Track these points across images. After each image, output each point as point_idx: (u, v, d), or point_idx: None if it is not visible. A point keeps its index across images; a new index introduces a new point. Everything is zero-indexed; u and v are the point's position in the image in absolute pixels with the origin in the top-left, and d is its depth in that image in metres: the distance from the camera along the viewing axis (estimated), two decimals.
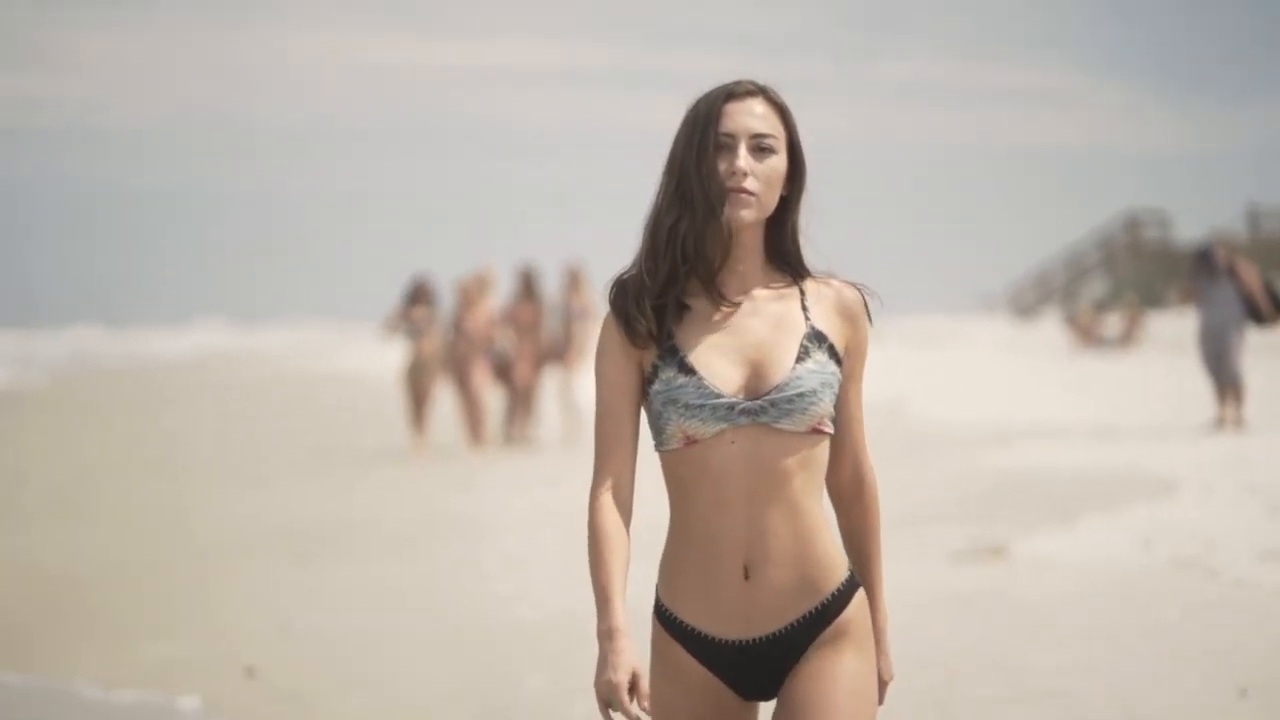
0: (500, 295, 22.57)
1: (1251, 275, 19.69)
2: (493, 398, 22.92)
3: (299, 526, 14.72)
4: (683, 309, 3.95)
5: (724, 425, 3.88)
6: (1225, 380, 19.39)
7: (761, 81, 4.01)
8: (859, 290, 4.04)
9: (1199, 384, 22.33)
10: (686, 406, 3.89)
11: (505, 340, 22.26)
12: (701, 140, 3.93)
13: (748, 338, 3.94)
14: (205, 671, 9.21)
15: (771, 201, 3.96)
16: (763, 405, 3.89)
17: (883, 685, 4.03)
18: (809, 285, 4.01)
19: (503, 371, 22.27)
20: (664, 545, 3.99)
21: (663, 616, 3.98)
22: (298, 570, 12.37)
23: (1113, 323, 43.02)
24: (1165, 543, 11.56)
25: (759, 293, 3.98)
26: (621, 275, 4.00)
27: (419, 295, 22.10)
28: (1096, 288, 59.89)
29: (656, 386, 3.93)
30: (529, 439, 22.47)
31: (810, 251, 4.03)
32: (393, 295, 22.44)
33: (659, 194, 3.97)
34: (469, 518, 15.03)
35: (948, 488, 15.44)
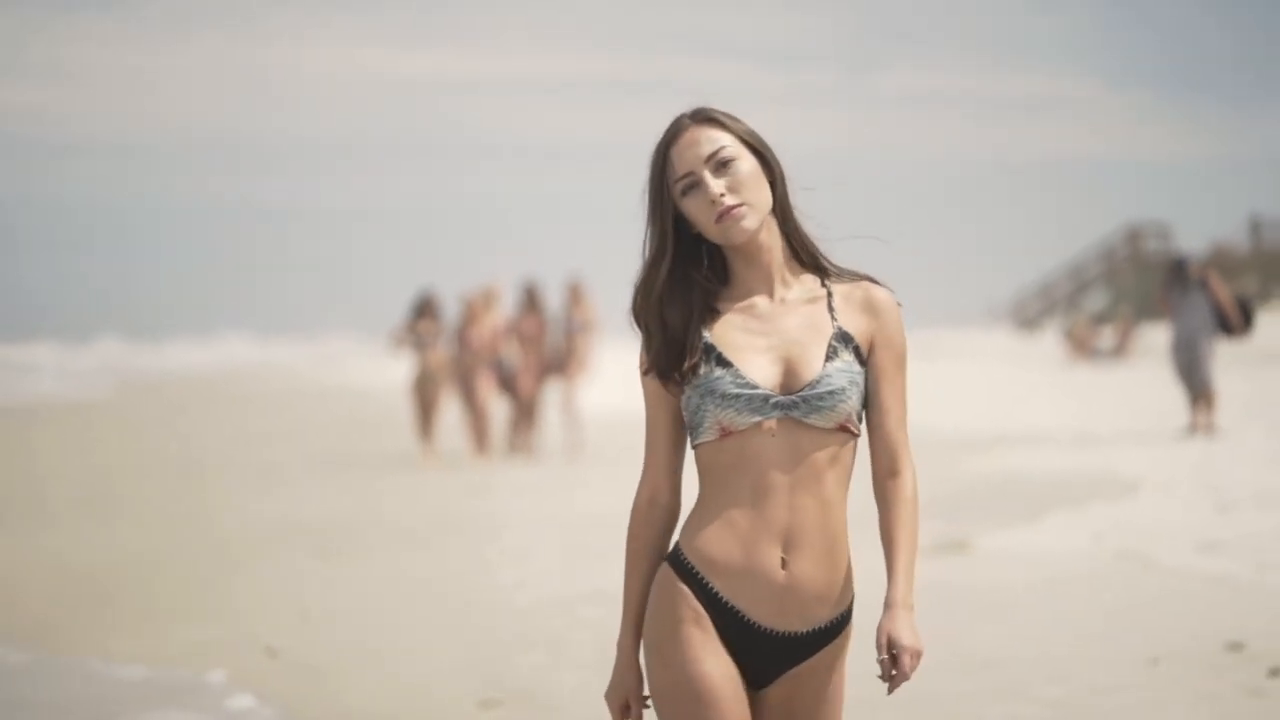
0: (504, 309, 23.50)
1: (1222, 288, 20.61)
2: (497, 408, 23.84)
3: (315, 524, 15.67)
4: (714, 314, 4.08)
5: (759, 417, 3.99)
6: (1197, 388, 20.30)
7: (693, 109, 4.11)
8: (885, 287, 4.14)
9: (1178, 393, 23.23)
10: (724, 397, 4.00)
11: (509, 352, 23.19)
12: (661, 191, 4.07)
13: (779, 337, 4.04)
14: (230, 651, 10.10)
15: (762, 199, 4.05)
16: (795, 400, 4.00)
17: (905, 650, 3.99)
18: (836, 286, 4.12)
19: (507, 383, 23.17)
20: (691, 511, 4.08)
21: (689, 576, 4.04)
22: (315, 563, 13.30)
23: (1107, 335, 43.90)
24: (1116, 537, 12.48)
25: (786, 295, 4.10)
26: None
27: (425, 309, 23.03)
28: (1098, 299, 60.60)
29: (694, 381, 4.03)
30: (532, 448, 23.35)
31: (827, 246, 4.15)
32: (402, 309, 23.41)
33: (644, 241, 4.12)
34: (474, 518, 15.96)
35: (926, 490, 16.30)
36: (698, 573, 4.02)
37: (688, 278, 4.08)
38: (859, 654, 4.45)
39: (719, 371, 4.01)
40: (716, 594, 4.01)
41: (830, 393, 3.99)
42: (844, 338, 4.05)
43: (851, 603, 4.10)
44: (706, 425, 4.02)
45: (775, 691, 4.07)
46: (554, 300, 23.50)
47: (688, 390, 4.03)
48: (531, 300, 23.45)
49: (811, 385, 4.00)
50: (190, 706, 8.84)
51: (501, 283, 23.59)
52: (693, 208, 4.04)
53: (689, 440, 4.08)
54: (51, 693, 9.30)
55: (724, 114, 4.10)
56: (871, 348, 4.08)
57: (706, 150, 4.04)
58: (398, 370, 35.76)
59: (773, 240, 4.08)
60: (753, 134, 4.09)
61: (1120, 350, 41.43)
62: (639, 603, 4.09)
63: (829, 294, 4.09)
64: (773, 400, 3.99)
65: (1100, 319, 51.57)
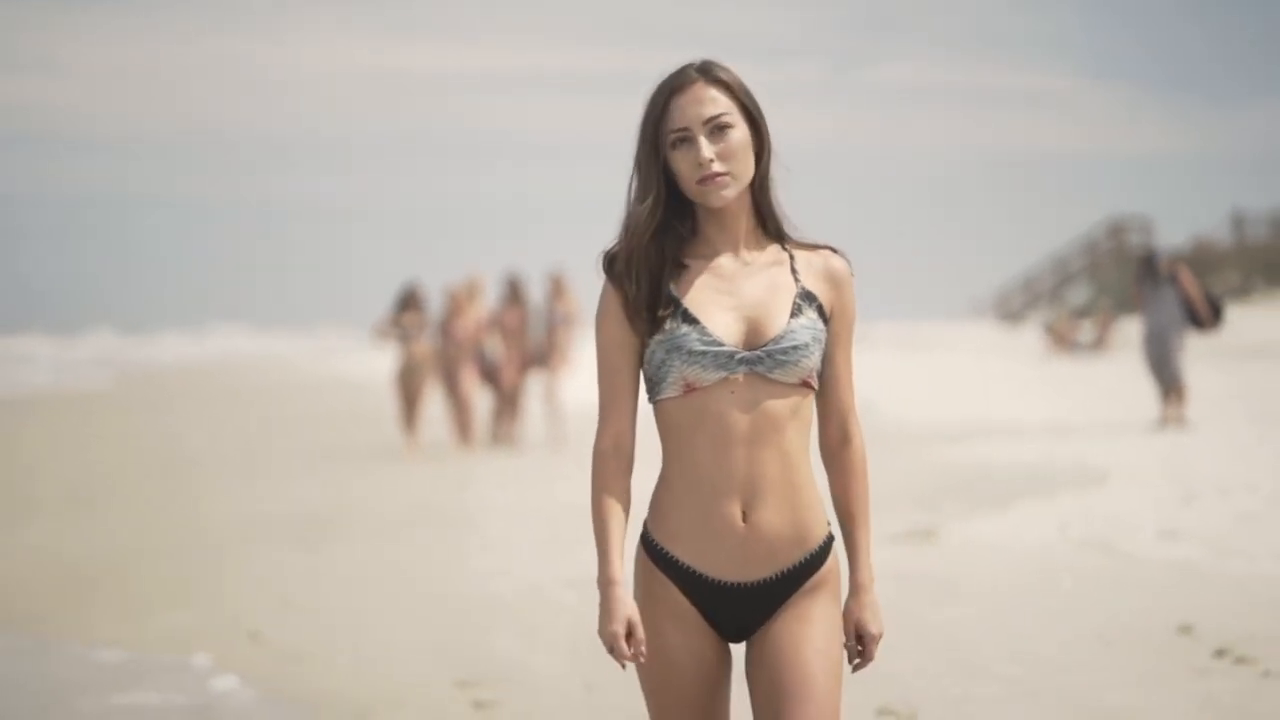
0: (487, 301, 23.77)
1: (1192, 283, 20.92)
2: (480, 400, 24.12)
3: (300, 515, 15.95)
4: (681, 268, 4.13)
5: (724, 373, 4.05)
6: (1167, 382, 20.62)
7: (702, 62, 4.13)
8: (843, 257, 4.21)
9: (1151, 386, 23.54)
10: (690, 353, 4.05)
11: (492, 345, 23.46)
12: (654, 138, 4.11)
13: (744, 295, 4.10)
14: (213, 636, 10.37)
15: (746, 170, 4.11)
16: (759, 356, 4.06)
17: (872, 639, 4.17)
18: (796, 251, 4.18)
19: (490, 375, 23.45)
20: (655, 487, 4.15)
21: (655, 552, 4.12)
22: (298, 552, 13.58)
23: (1087, 329, 44.22)
24: (1081, 526, 12.78)
25: (750, 255, 4.15)
26: (610, 249, 4.17)
27: (409, 302, 23.30)
28: (1081, 293, 60.90)
29: (659, 336, 4.08)
30: (515, 439, 23.61)
31: (794, 221, 4.22)
32: (387, 302, 23.68)
33: (629, 186, 4.16)
34: (455, 508, 16.23)
35: (900, 480, 16.63)
36: (661, 547, 4.10)
37: (668, 225, 4.13)
38: None
39: (685, 328, 4.06)
40: (676, 560, 4.09)
41: (794, 347, 4.06)
42: (808, 296, 4.12)
43: (824, 546, 4.11)
44: (670, 380, 4.07)
45: (759, 641, 4.10)
46: (536, 293, 23.81)
47: (652, 344, 4.09)
48: (514, 293, 23.72)
49: (776, 340, 4.06)
50: (173, 688, 9.12)
51: (484, 275, 23.88)
52: (680, 162, 4.09)
53: (649, 397, 4.14)
54: (35, 675, 9.55)
55: (730, 75, 4.14)
56: (830, 314, 4.16)
57: (708, 112, 4.08)
58: (383, 363, 36.03)
59: (743, 207, 4.14)
60: (752, 101, 4.14)
61: (1100, 344, 41.76)
62: (618, 539, 4.09)
63: (791, 257, 4.17)
64: (738, 356, 4.05)
65: (1082, 313, 51.88)
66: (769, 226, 4.19)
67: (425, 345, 23.15)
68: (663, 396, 4.09)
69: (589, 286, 4.23)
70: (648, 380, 4.13)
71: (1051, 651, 8.74)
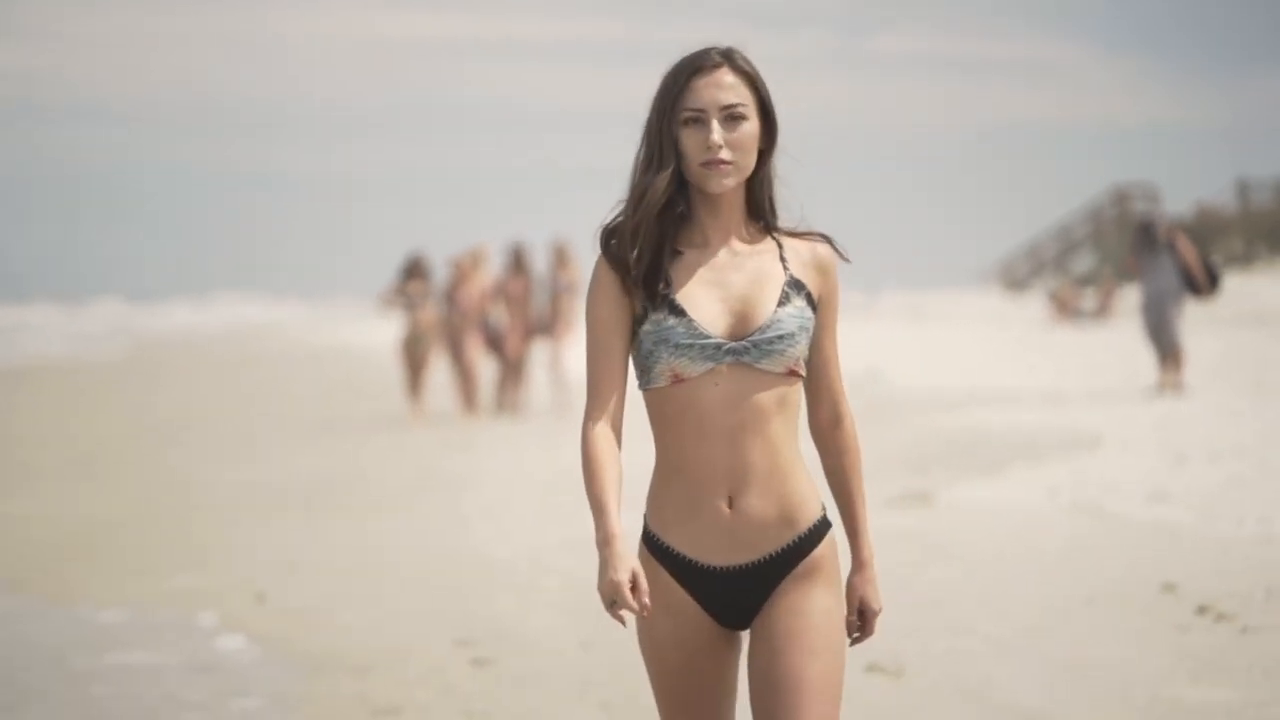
0: (492, 270, 23.99)
1: (1189, 250, 21.10)
2: (485, 368, 24.33)
3: (305, 481, 16.18)
4: (674, 254, 4.15)
5: (710, 364, 4.08)
6: (1165, 348, 20.81)
7: (726, 48, 4.17)
8: (830, 243, 4.24)
9: (1149, 352, 23.74)
10: (676, 346, 4.08)
11: (497, 313, 23.68)
12: (670, 114, 4.13)
13: (732, 286, 4.14)
14: (219, 598, 10.59)
15: (749, 163, 4.14)
16: (746, 346, 4.09)
17: (873, 615, 4.23)
18: (785, 240, 4.21)
19: (494, 343, 23.66)
20: (651, 477, 4.18)
21: (650, 542, 4.17)
22: (303, 518, 13.81)
23: (1090, 296, 44.40)
24: (1072, 490, 13.00)
25: (740, 245, 4.18)
26: (608, 223, 4.19)
27: (415, 270, 23.52)
28: (1085, 261, 61.00)
29: (647, 326, 4.11)
30: (519, 407, 23.83)
31: (789, 210, 4.24)
32: (393, 270, 23.91)
33: (637, 158, 4.17)
34: (458, 475, 16.46)
35: (898, 447, 16.84)
36: (656, 536, 4.16)
37: (673, 201, 4.16)
38: None
39: (672, 320, 4.10)
40: (669, 548, 4.13)
41: (780, 337, 4.10)
42: (796, 284, 4.16)
43: (816, 529, 4.13)
44: (658, 371, 4.11)
45: (755, 633, 4.13)
46: (540, 262, 24.02)
47: (640, 334, 4.12)
48: (518, 262, 23.93)
49: (762, 330, 4.10)
50: (178, 646, 9.35)
51: (488, 244, 24.10)
52: (688, 140, 4.13)
53: (638, 384, 4.17)
54: (42, 635, 9.78)
55: (751, 67, 4.17)
56: (820, 302, 4.20)
57: (726, 99, 4.12)
58: (389, 331, 36.25)
59: (738, 196, 4.18)
60: (768, 97, 4.18)
61: (1102, 311, 41.94)
62: (614, 499, 4.08)
63: (780, 246, 4.20)
64: (725, 347, 4.09)
65: (1085, 281, 52.00)
66: (761, 217, 4.22)
67: (430, 314, 23.37)
68: (651, 386, 4.13)
69: (592, 256, 4.25)
70: (637, 367, 4.16)
71: (1036, 610, 8.96)
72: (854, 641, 4.22)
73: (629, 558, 4.03)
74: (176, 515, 14.28)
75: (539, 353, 25.18)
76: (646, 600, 4.03)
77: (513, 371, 23.85)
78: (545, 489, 14.78)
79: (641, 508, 4.22)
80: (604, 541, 4.05)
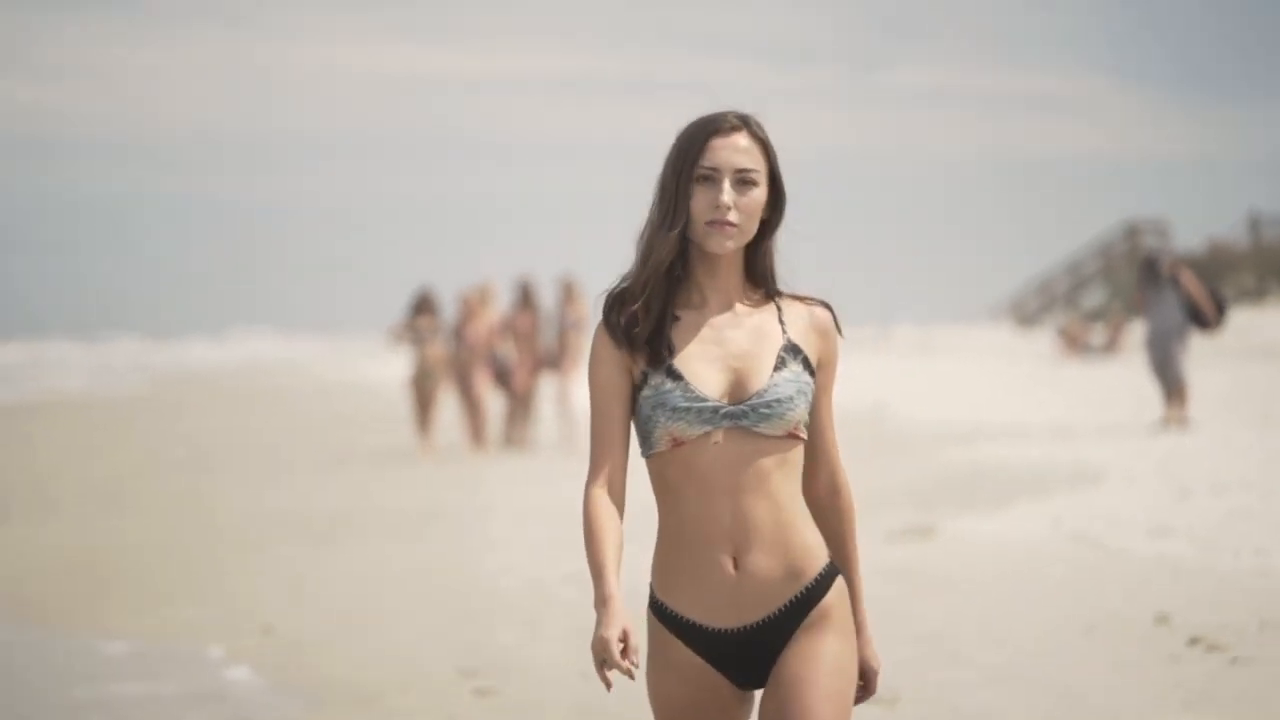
0: (500, 306, 24.17)
1: (1194, 283, 21.21)
2: (493, 402, 24.49)
3: (314, 514, 16.32)
4: (673, 320, 4.20)
5: (708, 428, 4.12)
6: (1170, 383, 20.91)
7: (743, 113, 4.23)
8: (829, 308, 4.28)
9: (1155, 387, 23.85)
10: (674, 409, 4.12)
11: (505, 348, 23.84)
12: (687, 172, 4.18)
13: (730, 348, 4.18)
14: (227, 629, 10.72)
15: (752, 229, 4.19)
16: (744, 410, 4.13)
17: (874, 674, 4.27)
18: (784, 303, 4.25)
19: (503, 378, 23.82)
20: (655, 545, 4.22)
21: (658, 611, 4.19)
22: (311, 550, 13.95)
23: (1099, 331, 44.52)
24: (1074, 522, 13.11)
25: (739, 307, 4.22)
26: (613, 289, 4.25)
27: (424, 306, 23.72)
28: (1096, 296, 61.09)
29: (646, 392, 4.15)
30: (527, 441, 23.99)
31: (789, 270, 4.30)
32: (403, 305, 24.08)
33: (650, 217, 4.22)
34: (466, 508, 16.59)
35: (903, 480, 16.95)
36: (663, 604, 4.18)
37: (671, 263, 4.22)
38: None
39: (669, 384, 4.14)
40: (677, 615, 4.16)
41: (777, 400, 4.13)
42: (793, 349, 4.20)
43: (823, 577, 4.16)
44: (657, 436, 4.15)
45: (773, 684, 4.13)
46: (548, 298, 24.18)
47: (640, 400, 4.16)
48: (526, 297, 24.11)
49: (759, 394, 4.13)
50: (185, 677, 9.47)
51: (496, 281, 24.29)
52: (697, 198, 4.18)
53: (641, 451, 4.20)
54: (51, 665, 9.93)
55: (766, 136, 4.24)
56: (818, 365, 4.23)
57: (741, 163, 4.18)
58: (399, 366, 36.41)
59: (737, 259, 4.23)
60: (778, 167, 4.24)
61: (1112, 346, 42.05)
62: (613, 566, 4.11)
63: (779, 309, 4.24)
64: (722, 411, 4.13)
65: (1096, 316, 52.09)
66: (760, 281, 4.26)
67: (439, 349, 23.55)
68: (653, 451, 4.17)
69: (599, 289, 4.32)
70: (639, 434, 4.20)
71: (1032, 640, 9.07)
72: (857, 701, 4.22)
73: (622, 616, 4.06)
74: (187, 547, 14.42)
75: (546, 388, 25.32)
76: (637, 660, 4.04)
77: (520, 406, 23.99)
78: (551, 522, 14.90)
79: (646, 548, 4.25)
80: (599, 603, 4.08)
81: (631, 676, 4.05)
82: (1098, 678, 8.19)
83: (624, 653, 4.03)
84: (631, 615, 4.08)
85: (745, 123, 4.21)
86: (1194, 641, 8.70)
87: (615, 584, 4.09)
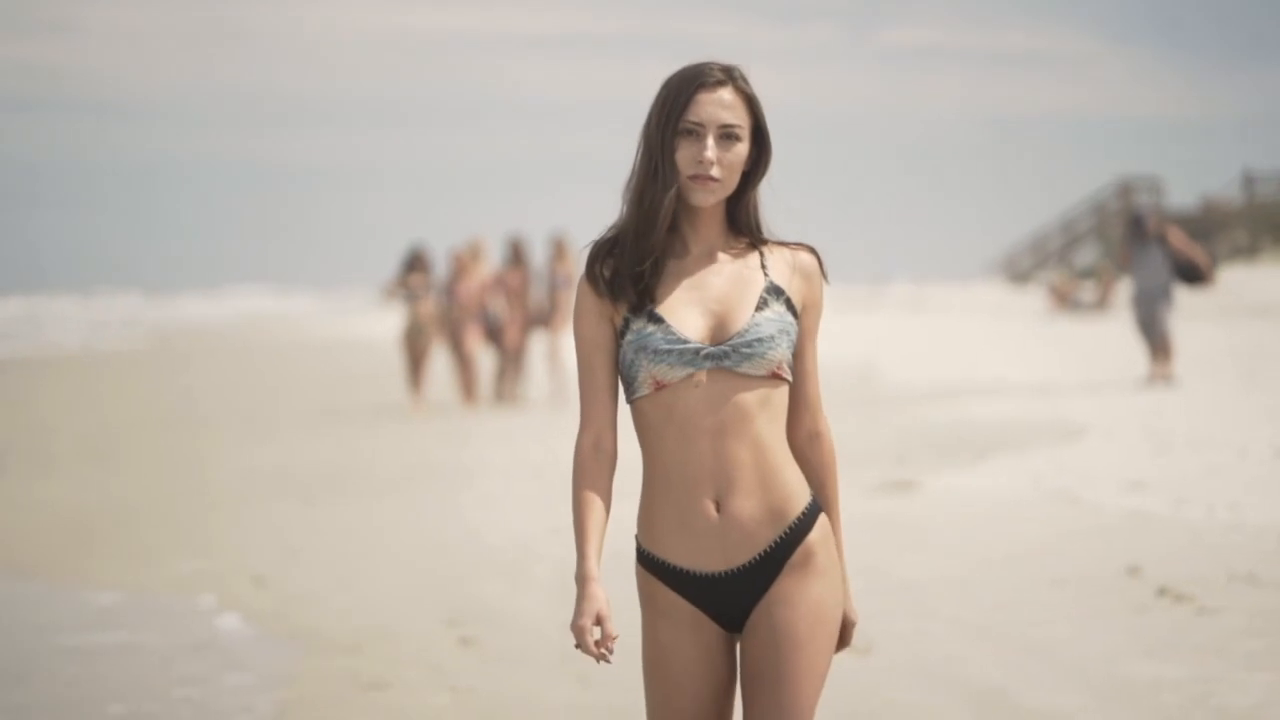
0: (491, 263, 24.34)
1: (1181, 239, 21.39)
2: (484, 359, 24.67)
3: (307, 469, 16.53)
4: (656, 267, 4.20)
5: (690, 369, 4.13)
6: (1155, 340, 21.11)
7: (728, 65, 4.21)
8: (814, 253, 4.27)
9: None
10: (655, 352, 4.13)
11: (496, 305, 24.02)
12: (672, 125, 4.18)
13: (711, 291, 4.19)
14: (218, 581, 10.93)
15: (733, 183, 4.19)
16: (725, 350, 4.13)
17: (851, 626, 4.25)
18: (767, 249, 4.25)
19: (494, 334, 24.01)
20: (640, 493, 4.24)
21: (644, 558, 4.21)
22: (301, 505, 14.15)
23: (1089, 288, 44.71)
24: (1053, 477, 13.31)
25: (721, 255, 4.23)
26: (599, 239, 4.25)
27: (416, 263, 23.90)
28: (1089, 253, 61.23)
29: (629, 337, 4.16)
30: (518, 397, 24.17)
31: (784, 220, 4.28)
32: (396, 262, 24.26)
33: (635, 166, 4.22)
34: (456, 464, 16.79)
35: (887, 436, 17.14)
36: (649, 552, 4.20)
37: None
38: None
39: (650, 328, 4.15)
40: (664, 562, 4.18)
41: (759, 340, 4.13)
42: (775, 290, 4.20)
43: (804, 517, 4.16)
44: (640, 379, 4.16)
45: (755, 625, 4.16)
46: (539, 255, 24.36)
47: (623, 345, 4.18)
48: (517, 255, 24.27)
49: (740, 334, 4.14)
50: (178, 627, 9.68)
51: (486, 238, 24.45)
52: (681, 151, 4.18)
53: (625, 397, 4.21)
54: (41, 616, 10.11)
55: (752, 90, 4.22)
56: (802, 309, 4.24)
57: (725, 118, 4.17)
58: (391, 323, 36.57)
59: (718, 210, 4.24)
60: (764, 121, 4.23)
61: (1102, 303, 42.24)
62: (596, 536, 4.16)
63: (761, 254, 4.25)
64: (704, 352, 4.13)
65: (1088, 273, 52.26)
66: (743, 230, 4.26)
67: (430, 306, 23.73)
68: (636, 396, 4.18)
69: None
70: (623, 380, 4.21)
71: (1002, 592, 9.28)
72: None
73: (596, 602, 4.10)
74: (182, 501, 14.62)
75: (537, 344, 25.50)
76: (611, 647, 4.11)
77: (511, 363, 24.18)
78: (540, 478, 15.11)
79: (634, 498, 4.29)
80: (579, 580, 4.13)
81: (608, 661, 4.13)
82: (1065, 628, 8.40)
83: (600, 640, 4.11)
84: (606, 598, 4.10)
85: (730, 76, 4.20)
86: (1162, 593, 8.91)
87: (594, 562, 4.13)
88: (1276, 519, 10.95)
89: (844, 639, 4.27)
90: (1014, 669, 7.75)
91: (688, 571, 4.15)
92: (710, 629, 4.18)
